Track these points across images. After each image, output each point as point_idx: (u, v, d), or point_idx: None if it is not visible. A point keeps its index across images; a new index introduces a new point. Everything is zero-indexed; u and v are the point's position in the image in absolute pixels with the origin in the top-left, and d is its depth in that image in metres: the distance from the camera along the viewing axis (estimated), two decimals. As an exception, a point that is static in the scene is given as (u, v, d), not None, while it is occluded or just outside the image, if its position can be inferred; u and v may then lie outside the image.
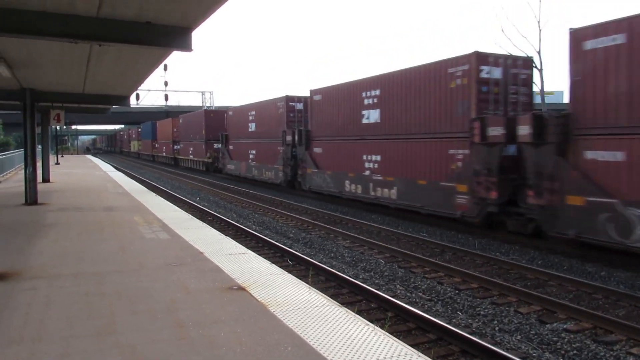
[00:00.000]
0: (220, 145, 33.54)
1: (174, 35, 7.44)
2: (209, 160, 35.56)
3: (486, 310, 7.68)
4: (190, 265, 6.83)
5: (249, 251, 7.83)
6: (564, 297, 8.30)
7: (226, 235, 9.46)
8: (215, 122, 35.28)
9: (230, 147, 31.25)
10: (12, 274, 6.36)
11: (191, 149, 40.07)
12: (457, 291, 8.62)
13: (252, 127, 27.56)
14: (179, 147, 45.01)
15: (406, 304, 7.56)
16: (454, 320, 7.21)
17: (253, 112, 27.26)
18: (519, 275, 9.58)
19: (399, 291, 8.63)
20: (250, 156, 27.65)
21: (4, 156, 24.54)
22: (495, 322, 7.23)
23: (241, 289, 5.74)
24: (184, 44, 7.58)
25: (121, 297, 5.42)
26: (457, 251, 11.36)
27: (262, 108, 26.18)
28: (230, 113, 31.58)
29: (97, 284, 5.90)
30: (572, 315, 7.35)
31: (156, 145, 55.55)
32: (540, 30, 27.26)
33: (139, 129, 66.37)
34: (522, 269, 9.84)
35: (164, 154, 51.31)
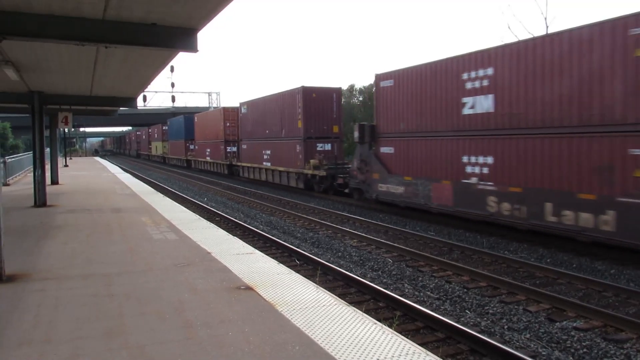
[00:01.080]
0: (326, 146, 22.49)
1: (179, 37, 7.46)
2: (315, 172, 21.48)
3: (495, 308, 7.64)
4: (198, 265, 6.85)
5: (257, 251, 7.84)
6: (574, 295, 8.24)
7: (234, 235, 9.48)
8: (319, 107, 22.52)
9: (386, 149, 16.53)
10: (22, 275, 6.41)
11: (267, 152, 26.19)
12: (465, 290, 8.58)
13: (482, 103, 12.79)
14: (236, 149, 32.26)
15: (414, 302, 7.54)
16: (462, 319, 7.18)
17: (488, 72, 12.59)
18: (527, 274, 9.52)
19: (407, 290, 8.61)
20: (471, 170, 13.14)
21: (13, 159, 24.74)
22: (504, 320, 7.19)
23: (249, 288, 5.74)
24: (190, 45, 7.60)
25: (130, 298, 5.45)
26: (465, 249, 11.31)
27: (534, 54, 11.34)
28: (389, 82, 16.26)
29: (105, 285, 5.94)
30: (581, 314, 7.29)
31: (192, 147, 42.98)
32: (547, 27, 27.05)
33: (164, 127, 53.97)
34: (531, 267, 9.78)
35: (209, 159, 36.88)
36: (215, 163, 35.51)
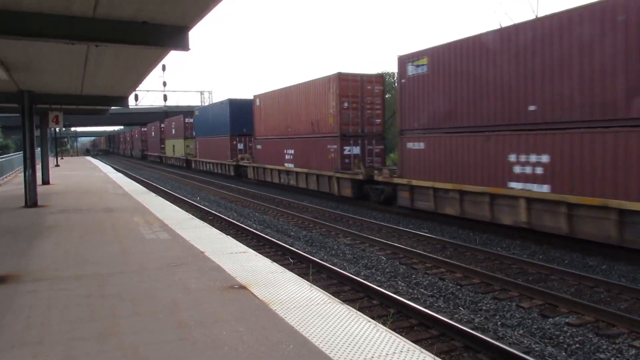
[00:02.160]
0: None
1: (171, 35, 7.42)
2: None
3: (488, 305, 7.68)
4: (191, 264, 6.82)
5: (250, 250, 7.82)
6: (566, 291, 8.30)
7: (227, 234, 9.45)
8: None
9: None
10: (14, 276, 6.35)
11: (541, 159, 10.77)
12: (458, 287, 8.62)
13: None
14: (359, 150, 19.37)
15: (408, 300, 7.56)
16: (456, 316, 7.21)
17: None
18: (520, 270, 9.58)
19: (400, 288, 8.63)
20: None
21: (3, 159, 24.53)
22: (498, 317, 7.23)
23: (242, 287, 5.73)
24: (181, 44, 7.56)
25: (123, 299, 5.41)
26: (458, 247, 11.36)
27: None
28: None
29: (98, 286, 5.89)
30: (574, 309, 7.35)
31: (241, 146, 30.63)
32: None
33: (188, 120, 41.37)
34: (524, 263, 9.84)
35: (292, 166, 22.79)
36: (317, 176, 20.78)
